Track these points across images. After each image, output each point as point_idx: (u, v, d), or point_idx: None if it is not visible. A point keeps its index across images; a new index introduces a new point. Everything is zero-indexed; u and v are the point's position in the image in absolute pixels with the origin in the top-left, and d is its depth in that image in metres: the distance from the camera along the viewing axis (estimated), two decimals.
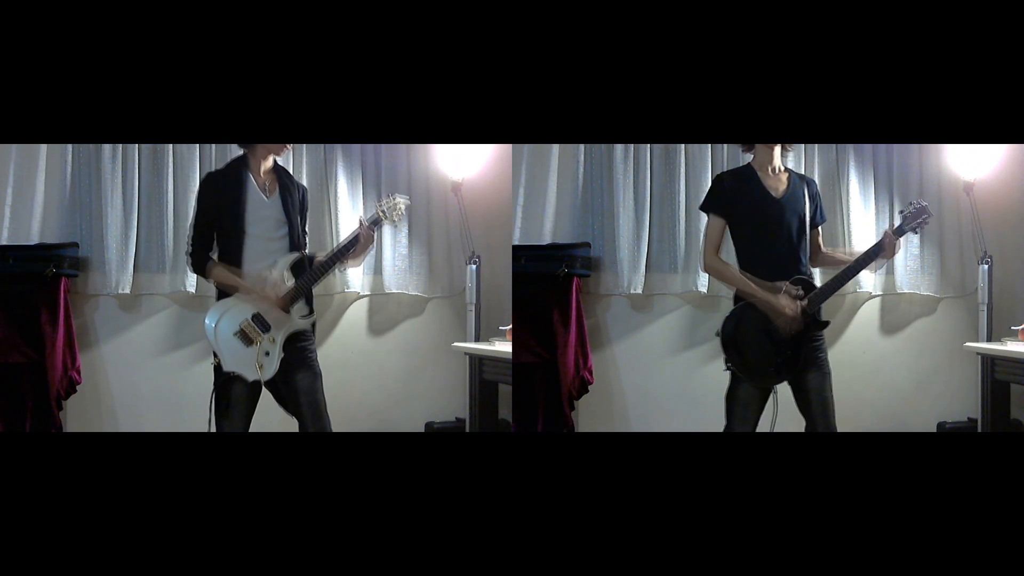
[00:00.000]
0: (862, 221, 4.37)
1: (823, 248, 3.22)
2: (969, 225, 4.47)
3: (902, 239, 3.08)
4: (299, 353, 3.06)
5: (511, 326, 4.12)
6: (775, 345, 3.00)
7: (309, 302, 3.11)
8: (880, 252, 3.09)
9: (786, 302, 2.98)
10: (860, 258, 3.11)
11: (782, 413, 3.08)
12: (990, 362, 4.08)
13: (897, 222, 3.19)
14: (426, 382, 4.63)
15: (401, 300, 4.62)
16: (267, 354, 3.00)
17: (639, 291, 4.32)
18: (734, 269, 3.05)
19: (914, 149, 4.46)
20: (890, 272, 4.48)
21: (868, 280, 4.44)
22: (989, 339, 4.26)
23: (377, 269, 4.54)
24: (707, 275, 4.26)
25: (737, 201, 3.04)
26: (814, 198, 3.13)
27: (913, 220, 3.13)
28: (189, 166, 4.24)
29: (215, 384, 3.05)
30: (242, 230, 3.01)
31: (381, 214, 3.13)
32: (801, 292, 3.01)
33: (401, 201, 3.16)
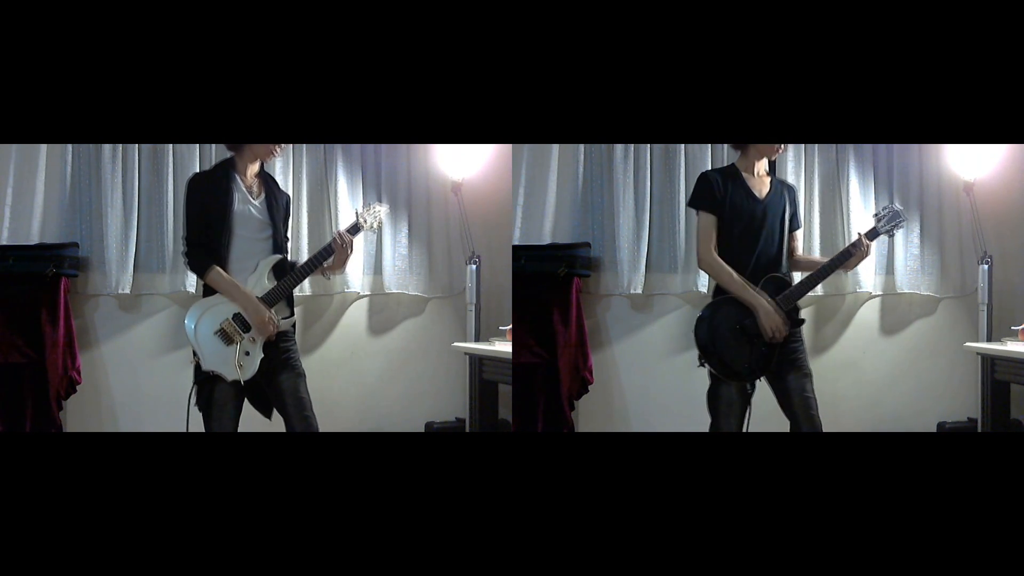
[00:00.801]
0: (862, 221, 4.37)
1: (798, 252, 3.28)
2: (969, 225, 4.47)
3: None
4: (282, 354, 3.07)
5: (511, 326, 4.12)
6: (749, 342, 3.02)
7: (290, 304, 3.13)
8: (852, 255, 3.11)
9: (776, 316, 3.01)
10: (833, 260, 3.14)
11: (769, 414, 3.08)
12: (990, 362, 4.08)
13: (871, 224, 3.21)
14: (426, 382, 4.63)
15: (401, 300, 4.62)
16: (247, 354, 3.01)
17: (639, 291, 4.32)
18: (731, 270, 3.05)
19: (914, 149, 4.46)
20: (890, 272, 4.48)
21: (868, 280, 4.44)
22: (989, 339, 4.26)
23: (377, 269, 4.54)
24: (707, 275, 4.26)
25: (724, 199, 3.06)
26: (793, 203, 3.18)
27: (887, 224, 3.15)
28: (189, 166, 4.24)
29: (194, 382, 3.06)
30: (230, 230, 3.03)
31: (361, 221, 3.21)
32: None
33: (381, 209, 3.26)
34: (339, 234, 3.15)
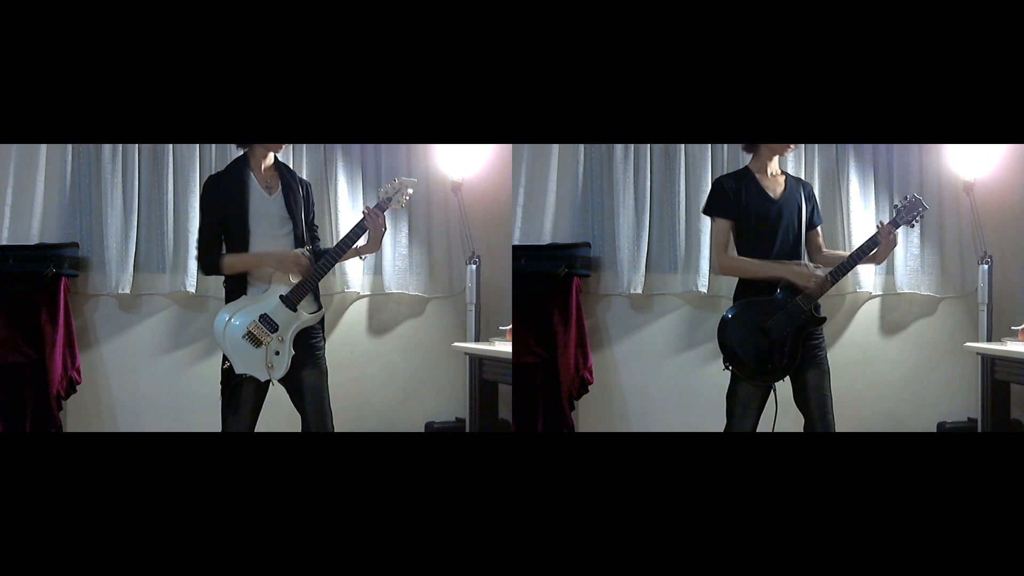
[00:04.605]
0: (862, 221, 4.37)
1: (824, 249, 3.28)
2: (969, 225, 4.47)
3: (901, 234, 3.10)
4: (308, 351, 3.06)
5: (511, 326, 4.12)
6: (772, 343, 3.03)
7: (316, 297, 3.12)
8: (876, 244, 3.09)
9: (807, 269, 3.06)
10: (857, 250, 3.13)
11: (782, 412, 3.08)
12: (990, 362, 4.08)
13: (892, 215, 3.19)
14: (426, 382, 4.63)
15: (401, 300, 4.62)
16: (277, 353, 3.01)
17: (639, 291, 4.32)
18: (748, 259, 3.08)
19: (914, 149, 4.46)
20: (890, 272, 4.48)
21: (868, 280, 4.44)
22: (989, 339, 4.26)
23: (377, 269, 4.54)
24: (707, 276, 4.27)
25: (738, 202, 3.08)
26: (810, 199, 3.19)
27: (908, 213, 3.13)
28: (189, 166, 4.24)
29: (227, 386, 3.04)
30: (247, 229, 3.02)
31: (383, 200, 3.12)
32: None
33: (407, 183, 3.15)
34: (369, 209, 3.07)
